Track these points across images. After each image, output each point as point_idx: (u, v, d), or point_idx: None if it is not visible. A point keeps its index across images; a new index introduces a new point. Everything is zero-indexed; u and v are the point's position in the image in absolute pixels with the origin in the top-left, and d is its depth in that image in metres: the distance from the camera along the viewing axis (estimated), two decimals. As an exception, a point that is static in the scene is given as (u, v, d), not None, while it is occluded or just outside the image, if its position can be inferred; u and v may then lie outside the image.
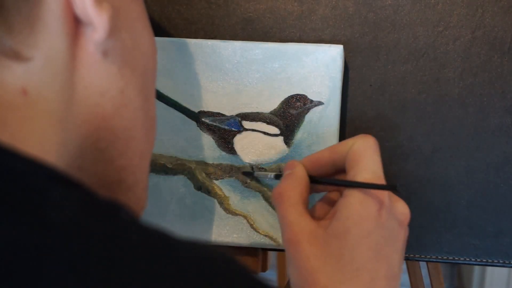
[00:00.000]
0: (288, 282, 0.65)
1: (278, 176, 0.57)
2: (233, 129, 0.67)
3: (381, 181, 0.49)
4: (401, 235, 0.50)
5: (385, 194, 0.49)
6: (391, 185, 0.49)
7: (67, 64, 0.37)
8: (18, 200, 0.29)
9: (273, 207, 0.67)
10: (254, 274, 0.33)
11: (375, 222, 0.48)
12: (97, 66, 0.38)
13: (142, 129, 0.43)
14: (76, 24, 0.37)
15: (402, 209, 0.51)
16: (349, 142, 0.52)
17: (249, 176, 0.66)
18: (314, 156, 0.55)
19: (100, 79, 0.39)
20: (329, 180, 0.54)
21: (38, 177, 0.31)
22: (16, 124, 0.34)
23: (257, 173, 0.64)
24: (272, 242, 0.67)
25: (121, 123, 0.40)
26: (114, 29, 0.38)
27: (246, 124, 0.67)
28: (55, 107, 0.36)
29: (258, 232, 0.67)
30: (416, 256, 0.68)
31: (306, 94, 0.66)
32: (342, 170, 0.53)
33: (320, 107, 0.66)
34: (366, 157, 0.50)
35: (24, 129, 0.35)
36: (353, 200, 0.48)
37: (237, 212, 0.67)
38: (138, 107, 0.42)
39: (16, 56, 0.34)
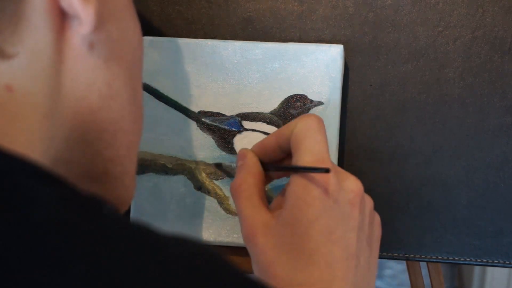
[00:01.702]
0: None
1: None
2: (233, 129, 0.67)
3: (325, 161, 0.48)
4: (354, 212, 0.48)
5: (329, 175, 0.47)
6: (324, 168, 0.47)
7: (53, 58, 0.37)
8: (1, 199, 0.29)
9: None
10: (241, 271, 0.33)
11: (322, 205, 0.47)
12: (83, 58, 0.38)
13: (129, 120, 0.42)
14: (61, 17, 0.37)
15: (351, 186, 0.49)
16: (291, 124, 0.51)
17: (219, 168, 0.66)
18: (262, 142, 0.54)
19: (87, 71, 0.38)
20: (273, 167, 0.53)
21: (19, 174, 0.31)
22: (1, 120, 0.34)
23: (224, 165, 0.64)
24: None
25: (108, 115, 0.40)
26: (100, 22, 0.38)
27: (246, 124, 0.67)
28: (41, 101, 0.36)
29: (258, 232, 0.67)
30: (416, 256, 0.68)
31: (306, 94, 0.66)
32: (290, 154, 0.52)
33: (320, 107, 0.66)
34: (307, 139, 0.49)
35: (10, 126, 0.35)
36: (295, 186, 0.48)
37: (236, 212, 0.67)
38: (125, 98, 0.41)
39: (0, 54, 0.34)
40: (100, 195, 0.33)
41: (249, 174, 0.52)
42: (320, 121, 0.50)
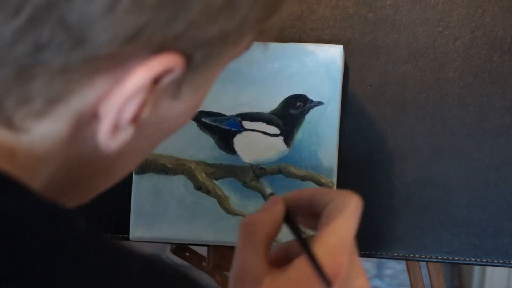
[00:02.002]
0: None
1: (271, 194, 0.55)
2: (233, 129, 0.67)
3: (344, 251, 0.46)
4: None
5: (342, 266, 0.45)
6: (328, 281, 0.44)
7: (65, 140, 0.34)
8: None
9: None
10: None
11: None
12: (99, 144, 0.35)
13: (133, 163, 0.40)
14: (88, 118, 0.34)
15: (359, 287, 0.47)
16: (330, 195, 0.49)
17: (258, 179, 0.65)
18: (299, 193, 0.51)
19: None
20: (294, 231, 0.50)
21: None
22: None
23: (262, 181, 0.62)
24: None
25: (110, 166, 0.38)
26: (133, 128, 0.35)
27: (246, 124, 0.66)
28: (43, 164, 0.35)
29: (258, 232, 0.67)
30: (416, 256, 0.68)
31: (306, 94, 0.66)
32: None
33: (320, 107, 0.66)
34: (339, 219, 0.46)
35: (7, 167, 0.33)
36: (300, 272, 0.45)
37: (237, 212, 0.67)
38: (138, 151, 0.39)
39: (10, 126, 0.33)
40: (73, 208, 0.33)
41: (268, 221, 0.49)
42: (359, 205, 0.48)
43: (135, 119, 0.33)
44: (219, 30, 0.32)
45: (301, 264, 0.46)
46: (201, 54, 0.33)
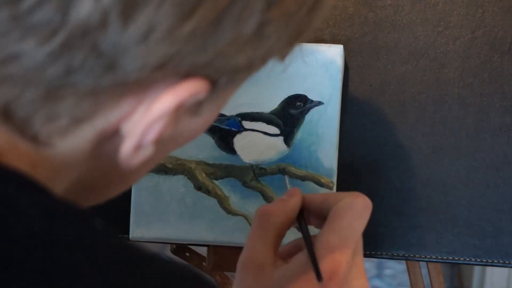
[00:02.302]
0: None
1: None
2: (233, 129, 0.67)
3: (344, 250, 0.46)
4: None
5: (341, 265, 0.46)
6: (320, 276, 0.45)
7: (85, 154, 0.35)
8: None
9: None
10: None
11: None
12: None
13: (144, 173, 0.41)
14: (110, 135, 0.35)
15: (357, 287, 0.48)
16: (340, 196, 0.49)
17: (284, 174, 0.65)
18: (312, 196, 0.52)
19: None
20: (301, 226, 0.51)
21: (5, 185, 0.30)
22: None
23: (286, 178, 0.63)
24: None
25: (127, 176, 0.39)
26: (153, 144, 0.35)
27: (246, 124, 0.67)
28: (62, 175, 0.35)
29: (258, 232, 0.67)
30: (416, 256, 0.68)
31: (306, 94, 0.66)
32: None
33: (320, 107, 0.66)
34: (343, 219, 0.47)
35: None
36: (298, 263, 0.46)
37: (237, 212, 0.67)
38: (153, 162, 0.39)
39: (35, 141, 0.33)
40: (90, 209, 0.33)
41: (283, 212, 0.50)
42: (367, 206, 0.48)
43: (157, 139, 0.34)
44: (246, 59, 0.33)
45: (301, 258, 0.47)
46: (226, 79, 0.34)
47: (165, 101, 0.32)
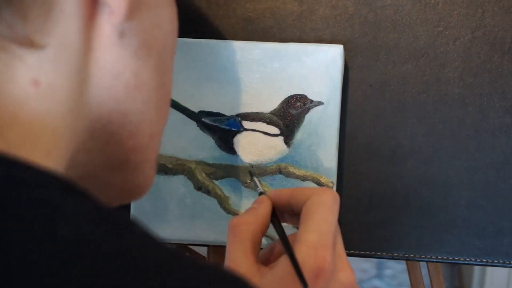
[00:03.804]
0: None
1: (260, 193, 0.56)
2: (233, 129, 0.67)
3: (326, 246, 0.46)
4: None
5: (325, 261, 0.46)
6: (304, 283, 0.45)
7: (82, 48, 0.35)
8: (29, 214, 0.28)
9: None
10: None
11: None
12: (112, 48, 0.37)
13: (154, 109, 0.41)
14: (92, 5, 0.35)
15: (344, 279, 0.48)
16: (306, 193, 0.50)
17: (251, 175, 0.66)
18: (279, 193, 0.53)
19: (115, 61, 0.37)
20: (277, 230, 0.51)
21: (47, 188, 0.30)
22: (27, 120, 0.33)
23: (254, 179, 0.63)
24: (272, 242, 0.67)
25: (133, 106, 0.39)
26: (132, 10, 0.37)
27: (246, 124, 0.67)
28: (67, 96, 0.35)
29: (258, 232, 0.67)
30: (416, 256, 0.68)
31: (306, 94, 0.66)
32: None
33: (320, 107, 0.66)
34: (317, 215, 0.48)
35: (34, 124, 0.34)
36: (283, 268, 0.46)
37: (237, 212, 0.67)
38: (152, 87, 0.40)
39: (30, 45, 0.33)
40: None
41: (255, 220, 0.51)
42: (336, 199, 0.49)
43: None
44: None
45: (284, 262, 0.47)
46: None
47: None
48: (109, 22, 0.36)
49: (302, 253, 0.46)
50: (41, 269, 0.27)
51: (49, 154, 0.34)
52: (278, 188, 0.57)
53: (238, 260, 0.48)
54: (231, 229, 0.50)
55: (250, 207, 0.53)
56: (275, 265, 0.47)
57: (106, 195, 0.42)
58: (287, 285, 0.46)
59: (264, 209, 0.52)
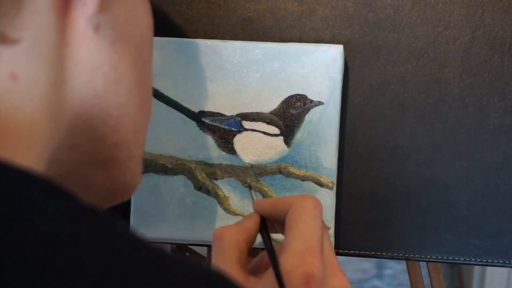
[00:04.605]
0: None
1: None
2: (233, 129, 0.67)
3: (313, 251, 0.46)
4: None
5: (314, 266, 0.45)
6: None
7: (57, 42, 0.36)
8: (8, 213, 0.28)
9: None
10: None
11: None
12: (88, 41, 0.37)
13: (136, 104, 0.41)
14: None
15: (337, 284, 0.47)
16: (287, 201, 0.49)
17: (250, 189, 0.66)
18: (259, 204, 0.53)
19: (92, 55, 0.37)
20: (264, 240, 0.51)
21: (29, 188, 0.30)
22: (6, 115, 0.33)
23: (251, 192, 0.63)
24: (272, 242, 0.67)
25: (113, 100, 0.39)
26: (105, 3, 0.37)
27: (246, 124, 0.67)
28: (45, 90, 0.35)
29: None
30: (416, 256, 0.68)
31: (306, 94, 0.66)
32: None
33: (320, 107, 0.66)
34: (301, 222, 0.47)
35: (12, 118, 0.33)
36: (273, 279, 0.45)
37: (237, 212, 0.67)
38: (132, 81, 0.40)
39: (4, 40, 0.33)
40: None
41: (238, 231, 0.50)
42: (317, 204, 0.48)
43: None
44: None
45: (273, 273, 0.46)
46: None
47: None
48: (82, 15, 0.36)
49: (289, 261, 0.46)
50: (20, 269, 0.27)
51: (28, 149, 0.34)
52: (259, 199, 0.56)
53: (222, 269, 0.48)
54: (215, 239, 0.50)
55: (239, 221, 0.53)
56: (265, 275, 0.47)
57: (94, 195, 0.42)
58: None
59: (250, 220, 0.52)
